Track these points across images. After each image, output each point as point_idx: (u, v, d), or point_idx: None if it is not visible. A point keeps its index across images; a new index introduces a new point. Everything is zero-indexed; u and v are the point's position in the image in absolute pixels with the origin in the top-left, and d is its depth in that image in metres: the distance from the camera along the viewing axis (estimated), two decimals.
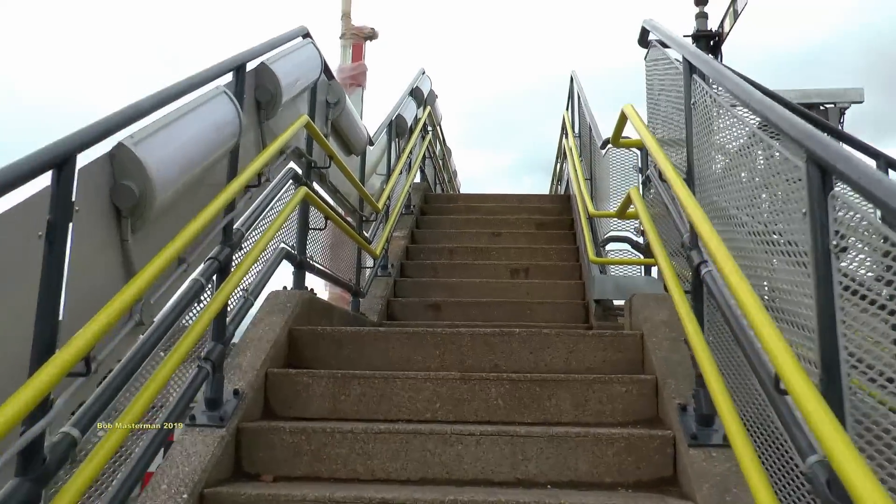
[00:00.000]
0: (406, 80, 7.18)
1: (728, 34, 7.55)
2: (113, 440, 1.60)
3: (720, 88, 2.10)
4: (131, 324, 1.92)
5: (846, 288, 1.27)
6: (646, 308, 3.06)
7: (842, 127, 5.92)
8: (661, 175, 2.77)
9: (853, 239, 1.27)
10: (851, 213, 1.27)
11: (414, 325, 4.05)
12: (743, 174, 1.83)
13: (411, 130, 6.58)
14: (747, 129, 1.85)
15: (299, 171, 3.54)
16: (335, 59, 7.91)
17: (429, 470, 2.38)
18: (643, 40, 3.40)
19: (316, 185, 3.84)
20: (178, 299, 2.26)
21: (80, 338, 1.49)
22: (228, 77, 2.66)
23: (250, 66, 2.84)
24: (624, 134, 3.84)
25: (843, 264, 1.29)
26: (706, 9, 7.56)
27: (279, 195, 3.19)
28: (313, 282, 3.86)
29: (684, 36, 5.44)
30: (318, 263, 3.84)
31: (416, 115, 6.95)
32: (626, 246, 5.02)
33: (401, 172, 5.89)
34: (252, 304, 2.88)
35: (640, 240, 4.66)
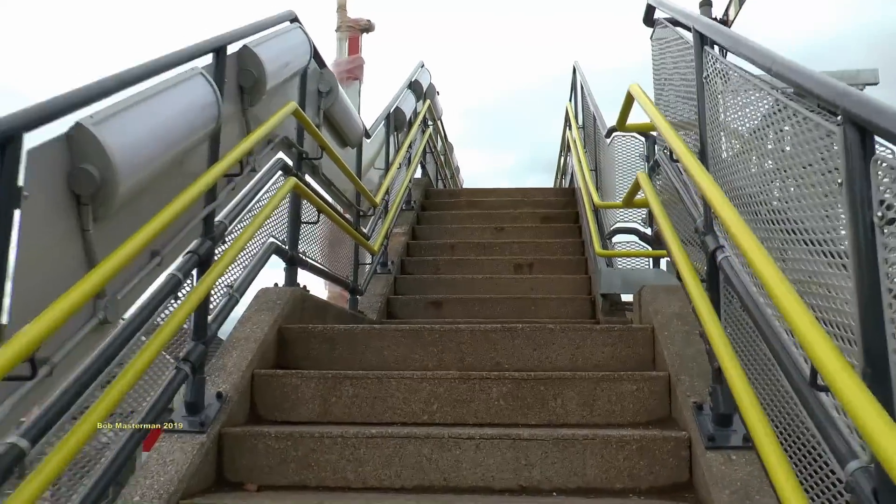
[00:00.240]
0: (404, 73, 7.01)
1: (733, 22, 7.37)
2: (65, 452, 1.43)
3: (736, 58, 1.92)
4: (94, 322, 1.75)
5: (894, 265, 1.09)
6: (656, 300, 2.88)
7: None
8: (671, 155, 2.59)
9: None
10: None
11: (411, 323, 3.88)
12: (768, 146, 1.65)
13: (410, 124, 6.41)
14: (770, 98, 1.67)
15: (289, 163, 3.38)
16: (331, 52, 7.75)
17: (425, 477, 2.21)
18: (648, 19, 3.23)
19: (309, 179, 3.68)
20: (152, 296, 2.10)
21: (22, 336, 1.32)
22: (208, 60, 2.50)
23: (233, 49, 2.68)
24: (630, 121, 3.67)
25: (888, 239, 1.11)
26: None
27: (267, 187, 3.02)
28: (314, 281, 3.70)
29: None
30: (311, 259, 3.67)
31: (416, 109, 6.78)
32: (633, 239, 4.85)
33: (399, 166, 5.72)
34: (237, 302, 2.71)
35: (648, 231, 4.48)
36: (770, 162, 1.71)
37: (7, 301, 1.42)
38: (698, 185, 1.87)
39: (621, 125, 3.46)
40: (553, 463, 2.19)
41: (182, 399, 2.33)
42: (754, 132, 1.74)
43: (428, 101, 7.38)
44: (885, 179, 1.11)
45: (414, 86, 6.86)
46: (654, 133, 3.98)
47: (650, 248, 4.45)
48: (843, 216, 1.27)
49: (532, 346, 2.86)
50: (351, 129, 4.29)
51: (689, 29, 2.44)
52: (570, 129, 7.11)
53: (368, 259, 4.76)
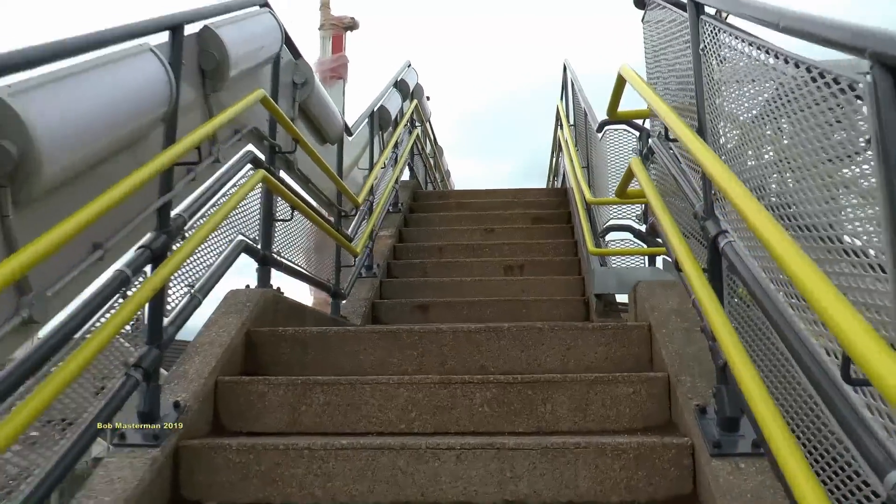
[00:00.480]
0: (391, 73, 6.82)
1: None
2: None
3: (738, 21, 1.74)
4: (16, 320, 1.55)
5: None
6: (652, 296, 2.67)
7: None
8: (667, 134, 2.39)
9: None
10: None
11: (391, 326, 3.67)
12: (780, 118, 1.46)
13: (396, 123, 6.21)
14: (778, 58, 1.48)
15: (261, 156, 3.17)
16: (314, 51, 7.55)
17: (400, 492, 1.99)
18: (640, 0, 3.06)
19: (284, 175, 3.47)
20: (95, 294, 1.89)
21: None
22: (164, 38, 2.30)
23: (193, 29, 2.48)
24: (621, 108, 3.49)
25: None
26: None
27: (234, 180, 2.81)
28: (301, 288, 3.49)
29: None
30: (286, 259, 3.46)
31: (402, 108, 6.58)
32: (627, 237, 4.66)
33: (385, 166, 5.52)
34: (200, 303, 2.49)
35: (643, 228, 4.29)
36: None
37: None
38: (698, 161, 1.67)
39: (612, 112, 3.28)
40: (542, 475, 1.98)
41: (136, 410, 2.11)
42: (763, 95, 1.54)
43: (415, 101, 7.20)
44: None
45: (400, 85, 6.67)
46: (646, 126, 3.81)
47: (645, 246, 4.25)
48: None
49: (519, 348, 2.66)
50: (329, 123, 4.09)
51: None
52: (561, 128, 6.93)
53: (353, 262, 4.56)
